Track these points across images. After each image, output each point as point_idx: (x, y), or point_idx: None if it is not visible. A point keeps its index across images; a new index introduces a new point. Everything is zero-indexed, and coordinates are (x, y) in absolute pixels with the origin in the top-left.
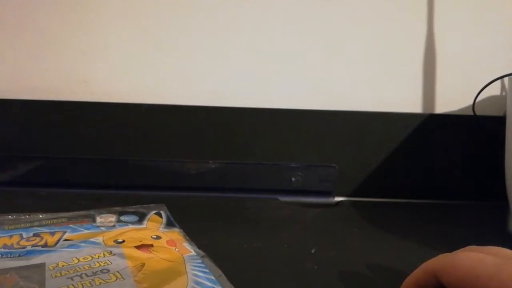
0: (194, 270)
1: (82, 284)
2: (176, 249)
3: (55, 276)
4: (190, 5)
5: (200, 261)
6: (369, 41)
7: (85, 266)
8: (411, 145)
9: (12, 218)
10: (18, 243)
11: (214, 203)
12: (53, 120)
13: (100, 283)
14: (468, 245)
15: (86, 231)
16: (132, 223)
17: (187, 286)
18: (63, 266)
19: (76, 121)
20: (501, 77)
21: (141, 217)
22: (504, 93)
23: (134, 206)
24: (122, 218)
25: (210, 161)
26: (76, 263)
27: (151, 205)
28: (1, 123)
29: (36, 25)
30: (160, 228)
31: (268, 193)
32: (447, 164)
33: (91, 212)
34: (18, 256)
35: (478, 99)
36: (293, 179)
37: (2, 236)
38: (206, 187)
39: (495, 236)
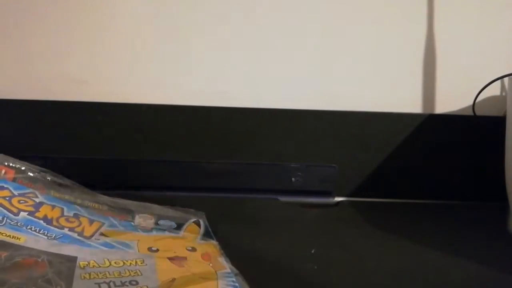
0: None
1: None
2: (210, 264)
3: (84, 277)
4: (190, 4)
5: (233, 279)
6: (369, 41)
7: (115, 273)
8: (411, 145)
9: (60, 184)
10: (57, 220)
11: (214, 203)
12: (53, 120)
13: None
14: (468, 245)
15: (123, 229)
16: (169, 229)
17: None
18: (93, 267)
19: (75, 120)
20: (501, 77)
21: (179, 225)
22: (504, 93)
23: (173, 208)
24: (160, 222)
25: (210, 161)
26: (107, 266)
27: (191, 210)
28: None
29: (39, 25)
30: (197, 239)
31: (268, 193)
32: (447, 164)
33: (132, 208)
34: (53, 238)
35: (478, 99)
36: (293, 179)
37: (46, 204)
38: (206, 187)
39: (495, 236)
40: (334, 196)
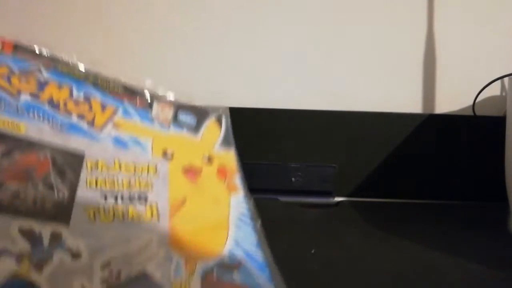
0: (239, 221)
1: (114, 210)
2: (225, 184)
3: (90, 184)
4: (190, 4)
5: (247, 206)
6: (369, 41)
7: (124, 182)
8: (411, 145)
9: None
10: (65, 103)
11: None
12: None
13: (132, 216)
14: (468, 245)
15: (138, 120)
16: (188, 128)
17: (225, 244)
18: (102, 169)
19: None
20: (501, 77)
21: (199, 122)
22: (504, 93)
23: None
24: (180, 117)
25: None
26: (117, 171)
27: (214, 106)
28: None
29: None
30: (215, 146)
31: (268, 193)
32: (447, 164)
33: (150, 91)
34: (60, 127)
35: (478, 99)
36: (293, 179)
37: (52, 80)
38: None
39: (495, 236)
40: (334, 196)
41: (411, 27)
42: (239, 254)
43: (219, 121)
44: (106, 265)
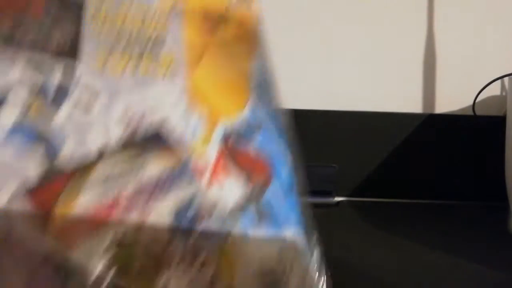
0: (260, 81)
1: (126, 60)
2: (247, 36)
3: (98, 21)
4: None
5: (266, 75)
6: (369, 41)
7: (136, 21)
8: (411, 145)
9: None
10: None
11: None
12: None
13: (147, 69)
14: (468, 245)
15: None
16: None
17: (244, 106)
18: (106, 15)
19: None
20: (501, 77)
21: None
22: (504, 93)
23: None
24: None
25: None
26: (129, 5)
27: None
28: None
29: None
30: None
31: None
32: (447, 164)
33: None
34: None
35: (478, 99)
36: None
37: None
38: None
39: (495, 236)
40: (334, 196)
41: (411, 27)
42: (260, 115)
43: None
44: (125, 111)
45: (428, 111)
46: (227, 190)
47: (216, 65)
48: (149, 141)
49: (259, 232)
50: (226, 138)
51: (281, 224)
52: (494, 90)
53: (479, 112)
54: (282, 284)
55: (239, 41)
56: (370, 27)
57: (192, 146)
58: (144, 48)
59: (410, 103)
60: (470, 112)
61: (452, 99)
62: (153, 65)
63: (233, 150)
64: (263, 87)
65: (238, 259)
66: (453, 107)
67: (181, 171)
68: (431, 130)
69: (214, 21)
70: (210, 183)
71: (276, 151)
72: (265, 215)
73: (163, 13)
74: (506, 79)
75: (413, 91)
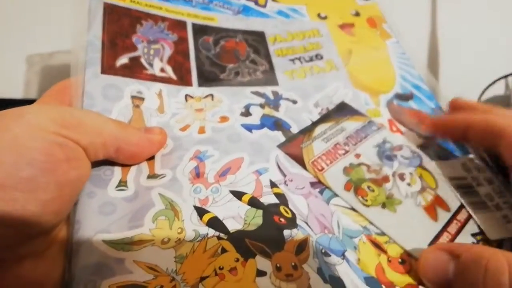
0: (399, 62)
1: (303, 70)
2: (378, 32)
3: (278, 55)
4: None
5: (402, 51)
6: None
7: (300, 47)
8: None
9: None
10: None
11: None
12: None
13: (318, 72)
14: None
15: None
16: None
17: (395, 80)
18: (280, 41)
19: None
20: (505, 76)
21: None
22: (508, 92)
23: None
24: None
25: None
26: (291, 40)
27: None
28: None
29: None
30: (357, 0)
31: None
32: None
33: None
34: (236, 12)
35: (482, 98)
36: None
37: None
38: None
39: None
40: None
41: (414, 25)
42: (408, 87)
43: None
44: (316, 104)
45: None
46: (407, 136)
47: (362, 55)
48: (339, 113)
49: (442, 157)
50: (388, 103)
51: (456, 153)
52: (498, 89)
53: None
54: (474, 186)
55: (372, 32)
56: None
57: (368, 111)
58: (311, 62)
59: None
60: None
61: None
62: (321, 69)
63: (399, 109)
64: (403, 62)
65: (435, 174)
66: None
67: (370, 125)
68: None
69: (350, 26)
70: (392, 131)
71: (430, 109)
72: (441, 149)
73: (314, 33)
74: (510, 78)
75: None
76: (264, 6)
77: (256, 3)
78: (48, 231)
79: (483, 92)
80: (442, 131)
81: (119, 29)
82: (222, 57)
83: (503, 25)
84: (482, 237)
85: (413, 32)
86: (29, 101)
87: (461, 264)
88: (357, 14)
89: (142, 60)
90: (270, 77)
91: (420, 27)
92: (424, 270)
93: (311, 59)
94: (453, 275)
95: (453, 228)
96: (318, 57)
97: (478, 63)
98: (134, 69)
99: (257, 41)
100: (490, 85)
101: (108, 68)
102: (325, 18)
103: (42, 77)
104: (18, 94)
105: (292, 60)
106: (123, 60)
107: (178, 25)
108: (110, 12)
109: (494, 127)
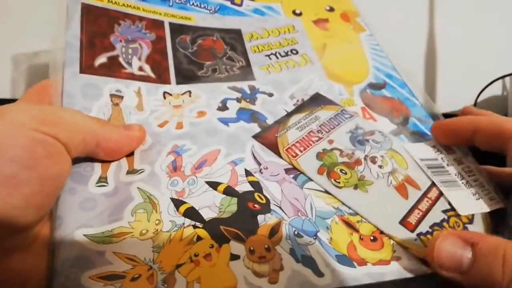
0: (372, 54)
1: (279, 65)
2: (351, 26)
3: (254, 51)
4: None
5: (375, 43)
6: None
7: (276, 43)
8: None
9: None
10: None
11: None
12: None
13: (293, 66)
14: None
15: None
16: None
17: (368, 71)
18: (256, 38)
19: None
20: (503, 77)
21: None
22: (505, 93)
23: None
24: None
25: None
26: (267, 37)
27: None
28: None
29: None
30: None
31: None
32: None
33: None
34: (213, 11)
35: (480, 99)
36: None
37: None
38: None
39: None
40: None
41: (412, 27)
42: (381, 76)
43: None
44: (291, 96)
45: (429, 111)
46: (380, 123)
47: (336, 49)
48: (313, 103)
49: (414, 140)
50: (362, 93)
51: (427, 137)
52: (496, 90)
53: None
54: (444, 166)
55: (346, 26)
56: (370, 27)
57: (342, 101)
58: (287, 57)
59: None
60: None
61: (453, 99)
62: (296, 63)
63: (372, 98)
64: (376, 53)
65: (405, 156)
66: (454, 107)
67: (342, 113)
68: None
69: (324, 21)
70: (365, 118)
71: (403, 97)
72: (414, 133)
73: (289, 29)
74: (507, 79)
75: (414, 91)
76: (240, 5)
77: (232, 2)
78: (32, 225)
79: (481, 92)
80: (448, 133)
81: (97, 29)
82: (199, 55)
83: (500, 26)
84: (453, 213)
85: (411, 33)
86: (16, 101)
87: (479, 252)
88: (331, 9)
89: (121, 59)
90: (247, 73)
91: (418, 28)
92: (439, 256)
93: (286, 54)
94: (469, 263)
95: (424, 206)
96: (294, 52)
97: (476, 64)
98: (113, 68)
99: (234, 38)
100: (487, 86)
101: (87, 67)
102: (300, 14)
103: (28, 76)
104: (5, 94)
105: (268, 55)
106: (101, 59)
107: (155, 25)
108: (88, 12)
109: (502, 129)
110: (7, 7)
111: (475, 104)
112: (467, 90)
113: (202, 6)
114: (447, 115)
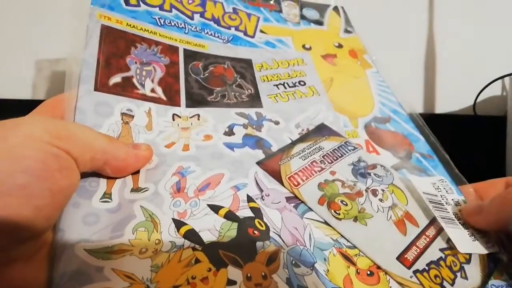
0: (378, 89)
1: (287, 94)
2: (359, 62)
3: (263, 80)
4: None
5: (381, 79)
6: (369, 41)
7: (284, 74)
8: None
9: None
10: (223, 19)
11: None
12: None
13: (301, 96)
14: None
15: (276, 24)
16: (314, 21)
17: (373, 106)
18: (266, 68)
19: None
20: (502, 77)
21: (321, 15)
22: (505, 93)
23: None
24: (304, 12)
25: None
26: (277, 68)
27: None
28: None
29: None
30: (340, 33)
31: None
32: None
33: None
34: (226, 41)
35: (479, 99)
36: None
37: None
38: None
39: None
40: None
41: (411, 26)
42: (386, 111)
43: (337, 11)
44: (297, 125)
45: (429, 111)
46: (383, 156)
47: (343, 83)
48: (318, 133)
49: (416, 175)
50: (366, 126)
51: (429, 172)
52: (495, 90)
53: (480, 112)
54: (443, 204)
55: (354, 62)
56: (370, 27)
57: (346, 132)
58: (294, 87)
59: (410, 103)
60: (471, 112)
61: (452, 99)
62: (304, 94)
63: (376, 131)
64: (382, 90)
65: (406, 192)
66: (454, 107)
67: (346, 145)
68: (432, 130)
69: (332, 56)
70: (368, 151)
71: (407, 132)
72: (417, 168)
73: (299, 61)
74: (506, 79)
75: (413, 91)
76: (253, 36)
77: (245, 33)
78: (39, 235)
79: (480, 92)
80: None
81: (115, 50)
82: (210, 81)
83: (500, 26)
84: (450, 252)
85: (411, 33)
86: (36, 102)
87: None
88: (340, 46)
89: (134, 80)
90: (255, 100)
91: (418, 29)
92: None
93: (294, 85)
94: None
95: (421, 243)
96: (301, 83)
97: (475, 64)
98: (126, 88)
99: (244, 68)
100: (486, 86)
101: (101, 86)
102: (309, 49)
103: (49, 81)
104: (26, 95)
105: (277, 85)
106: (116, 79)
107: (170, 50)
108: (107, 33)
109: None
110: (37, 14)
111: (474, 104)
112: (467, 90)
113: (216, 35)
114: (446, 116)
